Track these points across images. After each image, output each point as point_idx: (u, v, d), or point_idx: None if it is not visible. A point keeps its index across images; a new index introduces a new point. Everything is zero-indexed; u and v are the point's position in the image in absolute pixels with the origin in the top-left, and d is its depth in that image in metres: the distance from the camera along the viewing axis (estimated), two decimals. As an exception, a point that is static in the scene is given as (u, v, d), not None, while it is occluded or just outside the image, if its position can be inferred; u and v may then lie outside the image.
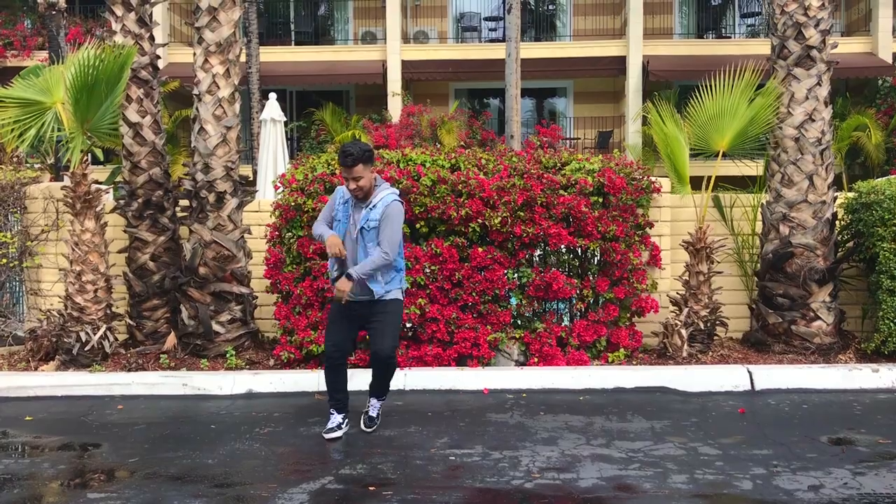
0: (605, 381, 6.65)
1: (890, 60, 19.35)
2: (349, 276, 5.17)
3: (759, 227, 7.83)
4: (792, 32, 7.33)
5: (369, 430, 5.51)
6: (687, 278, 7.39)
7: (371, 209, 5.24)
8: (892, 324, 6.92)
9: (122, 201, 7.79)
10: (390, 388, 5.67)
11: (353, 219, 5.30)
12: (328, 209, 5.45)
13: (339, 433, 5.41)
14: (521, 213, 6.85)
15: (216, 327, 7.38)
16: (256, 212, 8.15)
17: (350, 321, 5.37)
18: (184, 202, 7.76)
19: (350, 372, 5.55)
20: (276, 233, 7.19)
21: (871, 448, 5.07)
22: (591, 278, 7.11)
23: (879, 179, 7.63)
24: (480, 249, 6.85)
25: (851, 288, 7.64)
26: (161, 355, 7.35)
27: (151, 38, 7.86)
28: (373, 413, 5.58)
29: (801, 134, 7.31)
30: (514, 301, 7.02)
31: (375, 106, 20.85)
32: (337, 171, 7.00)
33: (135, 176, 7.72)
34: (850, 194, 7.61)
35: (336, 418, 5.45)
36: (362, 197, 5.25)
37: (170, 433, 5.66)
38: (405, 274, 5.64)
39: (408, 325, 6.91)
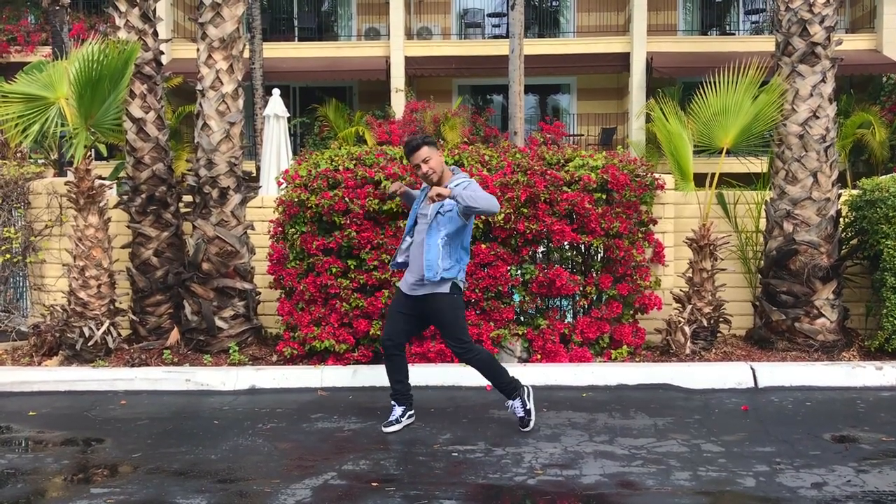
0: (607, 378, 6.64)
1: (894, 57, 19.29)
2: (452, 191, 5.08)
3: (762, 224, 7.82)
4: (797, 29, 7.31)
5: (525, 428, 5.38)
6: (690, 275, 7.38)
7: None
8: (895, 321, 6.90)
9: (125, 197, 7.80)
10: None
11: (425, 208, 5.31)
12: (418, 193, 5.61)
13: (396, 427, 5.45)
14: (525, 210, 6.84)
15: (219, 323, 7.39)
16: (260, 207, 8.16)
17: (406, 315, 5.43)
18: (187, 198, 7.76)
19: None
20: (280, 229, 7.19)
21: (874, 446, 5.06)
22: (594, 275, 7.10)
23: (884, 177, 7.61)
24: (484, 246, 6.84)
25: (855, 285, 7.63)
26: (164, 351, 7.36)
27: (155, 34, 7.86)
28: (520, 413, 5.41)
29: (805, 131, 7.30)
30: (517, 298, 7.01)
31: (379, 102, 20.85)
32: (340, 168, 6.99)
33: (138, 171, 7.73)
34: (855, 191, 7.59)
35: (396, 410, 5.52)
36: (435, 180, 5.27)
37: (173, 428, 5.66)
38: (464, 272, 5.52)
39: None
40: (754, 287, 7.92)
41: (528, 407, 5.42)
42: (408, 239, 5.47)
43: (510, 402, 5.45)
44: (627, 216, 7.05)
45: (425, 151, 5.23)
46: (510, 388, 5.44)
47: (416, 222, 5.44)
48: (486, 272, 6.86)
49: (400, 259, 5.53)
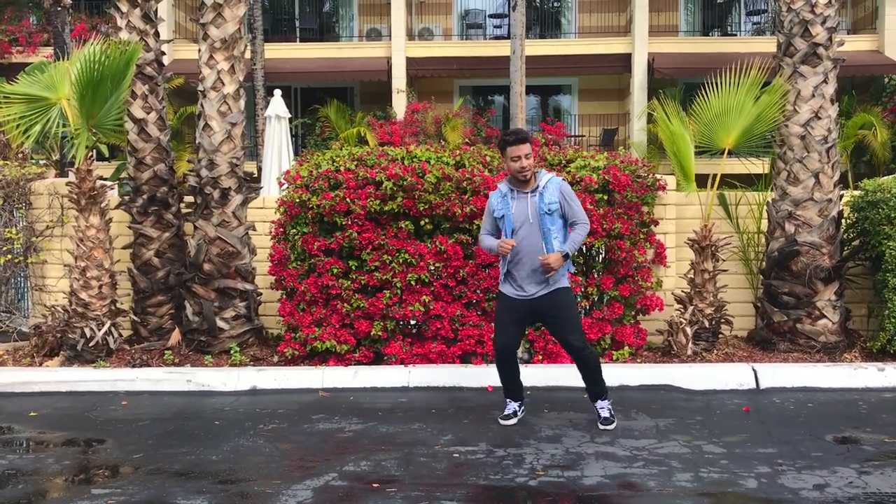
0: (609, 379, 6.55)
1: (896, 58, 19.29)
2: (566, 255, 5.29)
3: (764, 225, 7.81)
4: (798, 30, 7.30)
5: (609, 427, 5.44)
6: (692, 276, 7.37)
7: (542, 193, 5.33)
8: (897, 322, 6.89)
9: (126, 197, 7.80)
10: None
11: (519, 208, 5.34)
12: (489, 218, 5.53)
13: (514, 420, 5.59)
14: (526, 211, 6.82)
15: (220, 324, 7.39)
16: (261, 208, 8.16)
17: (520, 321, 5.50)
18: (188, 198, 7.76)
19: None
20: (281, 229, 7.19)
21: (876, 447, 5.05)
22: (595, 276, 7.10)
23: (885, 177, 7.60)
24: (485, 247, 6.83)
25: (857, 286, 7.62)
26: (165, 351, 7.36)
27: (156, 35, 7.86)
28: (606, 414, 5.52)
29: (807, 132, 7.29)
30: (518, 298, 7.00)
31: (380, 103, 20.84)
32: (342, 168, 6.99)
33: (139, 172, 7.73)
34: (856, 192, 7.58)
35: (512, 406, 5.65)
36: (529, 177, 5.33)
37: (174, 429, 5.66)
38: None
39: (412, 322, 6.90)
40: (756, 288, 7.91)
41: (610, 410, 5.58)
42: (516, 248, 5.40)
43: (602, 402, 5.57)
44: (629, 217, 7.04)
45: (528, 147, 5.34)
46: (606, 389, 5.61)
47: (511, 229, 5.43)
48: (488, 273, 6.86)
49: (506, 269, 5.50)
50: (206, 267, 7.41)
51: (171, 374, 6.88)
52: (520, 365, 6.86)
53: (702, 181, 7.56)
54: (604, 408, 5.55)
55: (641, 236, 7.18)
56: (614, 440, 5.22)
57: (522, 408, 5.73)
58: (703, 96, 7.57)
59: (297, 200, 6.95)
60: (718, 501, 4.26)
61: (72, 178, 7.59)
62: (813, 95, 7.27)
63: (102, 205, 7.37)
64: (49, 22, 15.96)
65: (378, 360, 7.00)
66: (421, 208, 6.80)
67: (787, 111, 7.35)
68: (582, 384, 6.59)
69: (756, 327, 7.69)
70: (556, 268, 5.27)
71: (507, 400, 5.71)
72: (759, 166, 8.80)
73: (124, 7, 7.67)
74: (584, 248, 7.13)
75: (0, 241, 8.30)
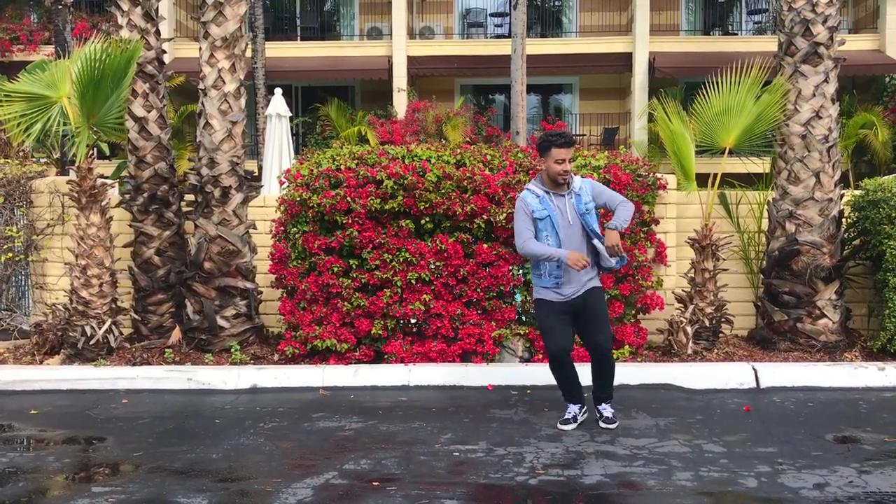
0: (609, 378, 6.63)
1: (897, 58, 19.28)
2: (616, 228, 5.27)
3: (765, 224, 7.81)
4: (799, 29, 7.30)
5: (611, 426, 5.43)
6: (692, 275, 7.37)
7: (577, 194, 5.37)
8: (898, 322, 6.89)
9: (127, 196, 7.81)
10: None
11: (560, 209, 5.34)
12: (526, 220, 5.37)
13: (574, 425, 5.48)
14: (527, 210, 6.82)
15: (221, 322, 7.39)
16: (262, 207, 8.16)
17: (567, 320, 5.44)
18: (189, 197, 7.77)
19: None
20: (282, 228, 7.19)
21: (876, 446, 5.05)
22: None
23: (886, 177, 7.59)
24: (485, 246, 6.84)
25: (857, 286, 7.61)
26: (166, 350, 7.36)
27: (157, 33, 7.87)
28: (608, 414, 5.50)
29: (807, 131, 7.28)
30: (518, 297, 7.00)
31: (381, 102, 20.84)
32: (342, 167, 6.98)
33: (140, 170, 7.74)
34: (857, 192, 7.58)
35: (572, 409, 5.54)
36: (567, 180, 5.35)
37: (174, 427, 5.67)
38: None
39: (412, 320, 6.91)
40: (756, 287, 7.91)
41: (612, 410, 5.56)
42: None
43: (606, 404, 5.55)
44: (629, 216, 7.03)
45: (572, 152, 5.38)
46: (612, 393, 5.58)
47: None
48: (488, 272, 6.86)
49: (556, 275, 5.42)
50: (207, 265, 7.41)
51: (171, 372, 6.88)
52: (521, 364, 6.88)
53: (702, 180, 7.56)
54: (606, 408, 5.54)
55: (642, 235, 7.18)
56: (614, 439, 5.22)
57: (584, 410, 5.57)
58: (703, 95, 7.56)
59: (298, 199, 6.95)
60: (718, 501, 4.27)
61: (72, 176, 7.59)
62: (814, 95, 7.27)
63: (103, 203, 7.37)
64: (50, 20, 15.96)
65: (378, 358, 7.00)
66: (421, 207, 6.80)
67: (787, 110, 7.35)
68: (583, 383, 6.59)
69: (756, 326, 7.69)
70: (618, 243, 5.27)
71: (568, 403, 5.58)
72: (759, 166, 8.80)
73: (125, 6, 7.66)
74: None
75: (1, 239, 8.31)
